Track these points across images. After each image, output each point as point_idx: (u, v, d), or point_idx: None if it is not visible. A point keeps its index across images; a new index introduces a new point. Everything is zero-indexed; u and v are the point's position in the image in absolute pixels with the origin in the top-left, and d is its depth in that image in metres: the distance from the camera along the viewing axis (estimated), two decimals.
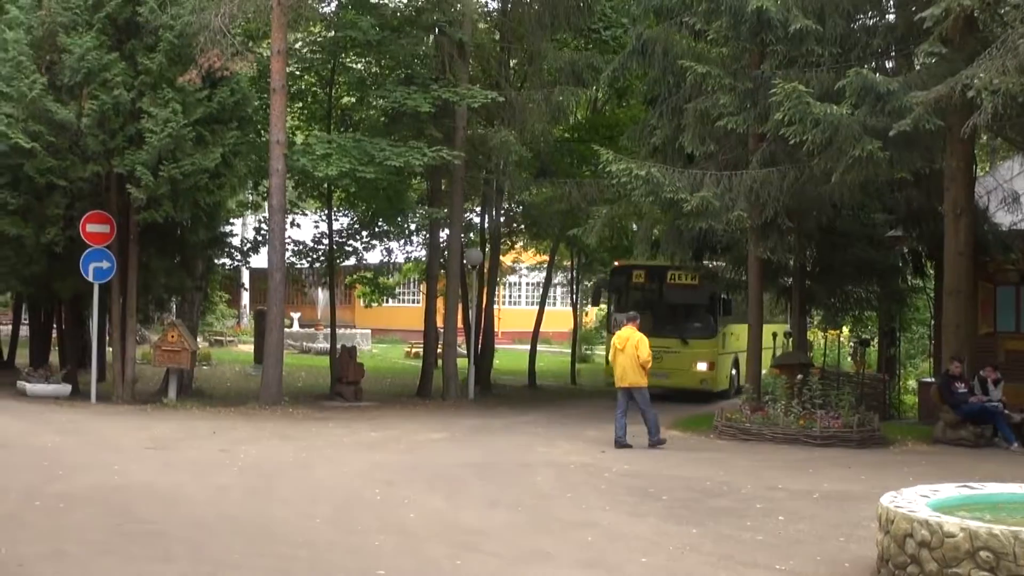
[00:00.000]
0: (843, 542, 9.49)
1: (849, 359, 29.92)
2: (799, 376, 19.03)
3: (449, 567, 8.25)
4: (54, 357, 25.04)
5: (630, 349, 16.66)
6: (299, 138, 25.66)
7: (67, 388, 21.26)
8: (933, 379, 21.16)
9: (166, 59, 19.40)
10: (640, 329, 18.94)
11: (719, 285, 25.14)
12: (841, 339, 31.18)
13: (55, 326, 26.09)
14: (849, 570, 8.40)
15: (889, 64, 19.20)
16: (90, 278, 20.23)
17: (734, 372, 26.96)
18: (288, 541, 8.99)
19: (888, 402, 23.93)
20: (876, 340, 29.04)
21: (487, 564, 8.38)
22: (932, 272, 23.55)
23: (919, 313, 29.77)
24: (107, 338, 23.04)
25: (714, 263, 24.87)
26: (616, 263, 27.68)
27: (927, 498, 8.23)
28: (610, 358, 18.12)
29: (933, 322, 24.07)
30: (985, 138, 20.98)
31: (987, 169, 24.90)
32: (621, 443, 16.27)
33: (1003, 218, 20.87)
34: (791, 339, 23.54)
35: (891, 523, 7.73)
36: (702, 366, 25.44)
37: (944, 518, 7.42)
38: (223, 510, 10.33)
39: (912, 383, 27.03)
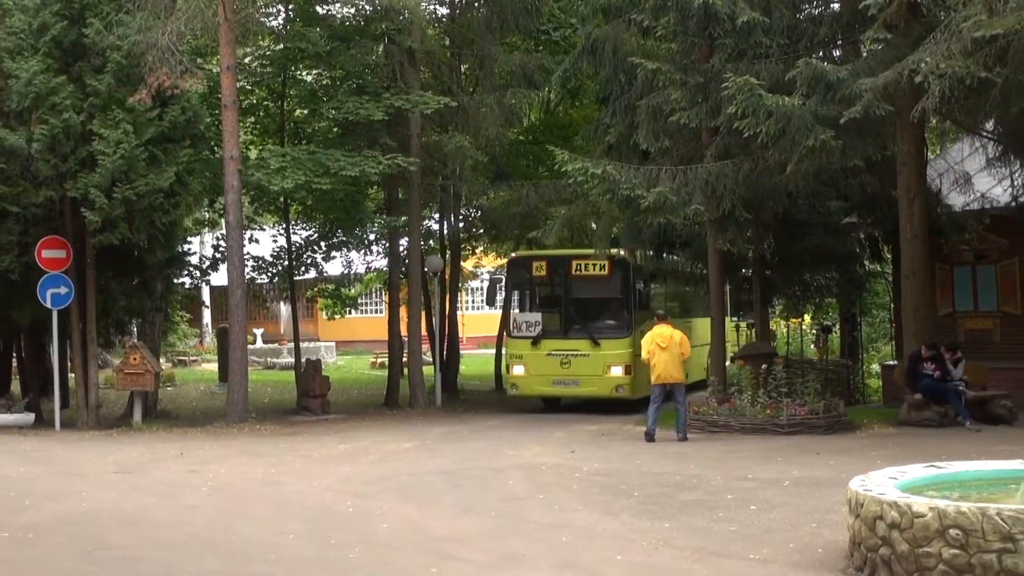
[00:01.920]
0: (815, 528, 9.56)
1: (812, 346, 30.20)
2: (764, 366, 19.13)
3: (423, 575, 8.23)
4: (15, 386, 24.76)
5: (674, 347, 17.03)
6: (253, 153, 25.51)
7: (30, 417, 21.00)
8: (895, 362, 21.39)
9: (115, 80, 19.23)
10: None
11: (636, 274, 22.62)
12: (803, 327, 31.43)
13: (15, 355, 25.79)
14: (822, 555, 8.46)
15: (836, 52, 19.37)
16: (48, 304, 20.03)
17: None
18: (262, 559, 8.94)
19: (853, 387, 24.16)
20: (838, 326, 29.33)
21: (462, 571, 8.38)
22: (890, 256, 23.77)
23: (879, 297, 30.09)
24: (69, 364, 22.82)
25: (673, 257, 24.82)
26: (513, 255, 25.53)
27: (895, 480, 8.30)
28: (647, 356, 17.12)
29: (893, 305, 24.30)
30: (935, 121, 21.18)
31: (938, 152, 25.17)
32: (652, 436, 16.74)
33: (956, 199, 21.12)
34: (754, 329, 23.70)
35: (861, 507, 7.79)
36: (617, 371, 21.95)
37: (913, 499, 7.49)
38: (195, 531, 10.26)
39: (875, 367, 27.30)
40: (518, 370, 22.69)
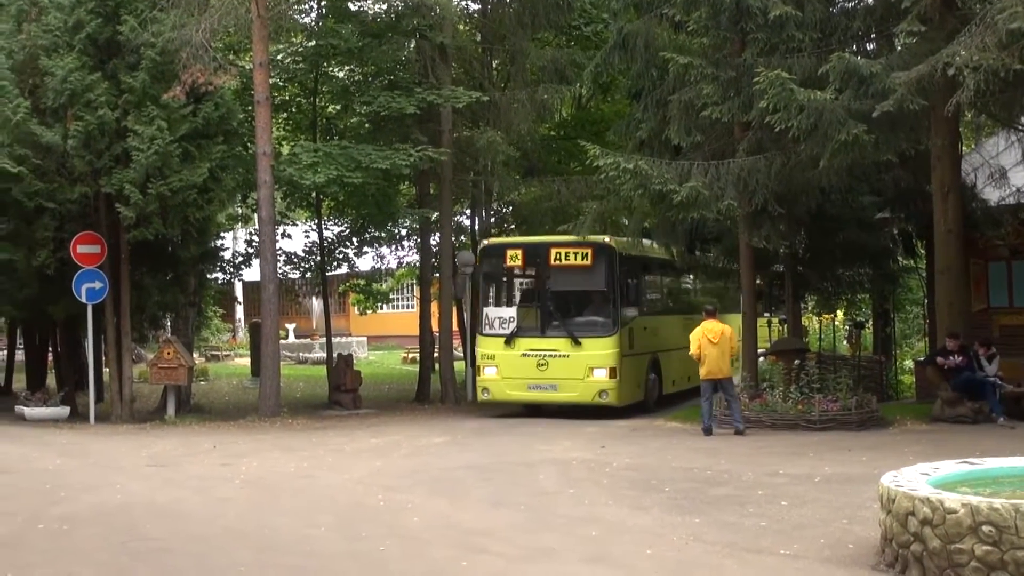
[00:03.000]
0: (846, 524, 9.51)
1: (844, 342, 30.07)
2: (796, 362, 19.07)
3: (455, 569, 8.26)
4: (51, 380, 25.02)
5: (724, 343, 17.07)
6: (285, 149, 25.66)
7: (66, 410, 21.26)
8: (923, 358, 21.27)
9: (149, 77, 19.40)
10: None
11: (624, 264, 20.61)
12: (836, 323, 31.27)
13: (51, 349, 26.06)
14: (853, 551, 8.42)
15: (870, 46, 19.23)
16: (83, 299, 20.23)
17: (652, 378, 21.62)
18: (294, 551, 9.00)
19: (885, 383, 24.05)
20: (871, 322, 29.18)
21: (493, 564, 8.40)
22: (923, 251, 23.60)
23: (912, 293, 29.90)
24: (103, 358, 23.03)
25: (705, 253, 24.63)
26: (486, 241, 22.93)
27: (927, 476, 8.26)
28: (697, 351, 16.96)
29: (927, 301, 24.14)
30: (969, 115, 20.99)
31: (973, 146, 24.95)
32: (710, 431, 16.85)
33: (991, 194, 20.91)
34: (786, 325, 23.59)
35: (892, 502, 7.75)
36: (600, 374, 19.78)
37: (945, 495, 7.44)
38: (227, 524, 10.34)
39: (909, 363, 27.12)
40: (490, 372, 20.50)
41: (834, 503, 10.55)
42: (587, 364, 19.82)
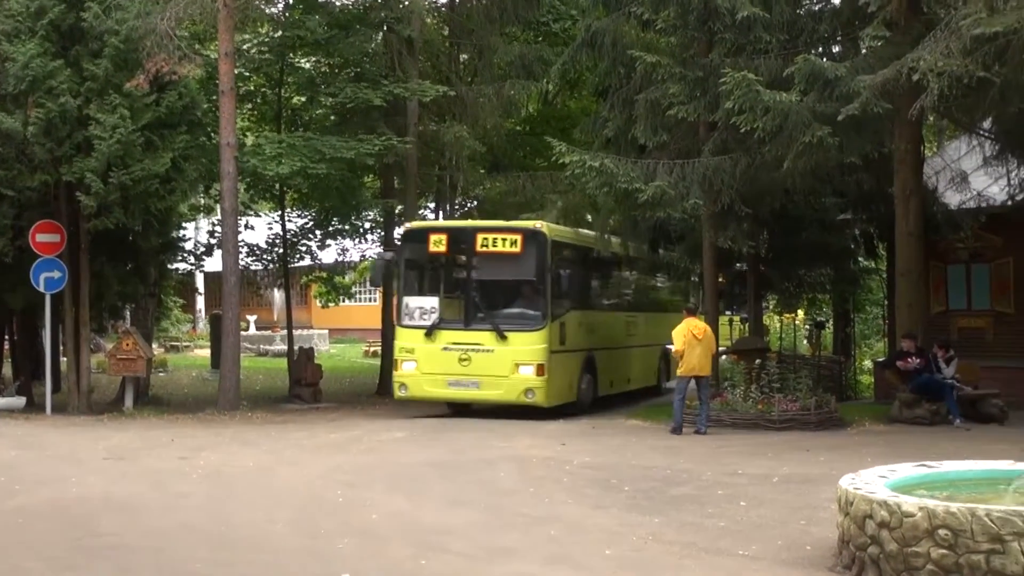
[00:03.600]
0: (804, 525, 9.56)
1: (805, 342, 30.27)
2: (757, 361, 19.17)
3: (414, 567, 8.23)
4: (7, 370, 24.73)
5: (708, 340, 17.07)
6: (250, 139, 25.49)
7: (21, 401, 21.02)
8: (883, 359, 21.47)
9: (112, 64, 19.17)
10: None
11: (558, 253, 19.55)
12: (797, 322, 31.47)
13: (7, 338, 25.76)
14: (811, 553, 8.46)
15: (836, 49, 19.39)
16: (41, 288, 20.01)
17: (586, 379, 20.54)
18: (251, 547, 8.93)
19: (845, 383, 24.23)
20: (831, 322, 29.39)
21: (452, 563, 8.37)
22: (884, 253, 23.80)
23: (873, 294, 30.14)
24: (61, 348, 22.80)
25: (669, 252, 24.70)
26: (408, 224, 21.32)
27: (885, 478, 8.30)
28: (681, 348, 16.79)
29: (887, 302, 24.34)
30: (932, 119, 21.16)
31: (935, 150, 25.18)
32: (679, 430, 16.69)
33: (952, 198, 21.13)
34: (747, 324, 23.71)
35: (851, 505, 7.79)
36: (527, 371, 18.61)
37: (903, 498, 7.49)
38: (184, 519, 10.25)
39: (868, 363, 27.34)
40: (408, 367, 19.31)
41: (792, 504, 10.61)
42: (513, 360, 18.64)
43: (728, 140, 17.91)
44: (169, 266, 25.28)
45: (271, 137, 22.88)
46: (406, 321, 19.54)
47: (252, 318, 43.91)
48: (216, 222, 25.98)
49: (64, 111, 18.84)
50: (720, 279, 22.43)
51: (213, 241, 26.25)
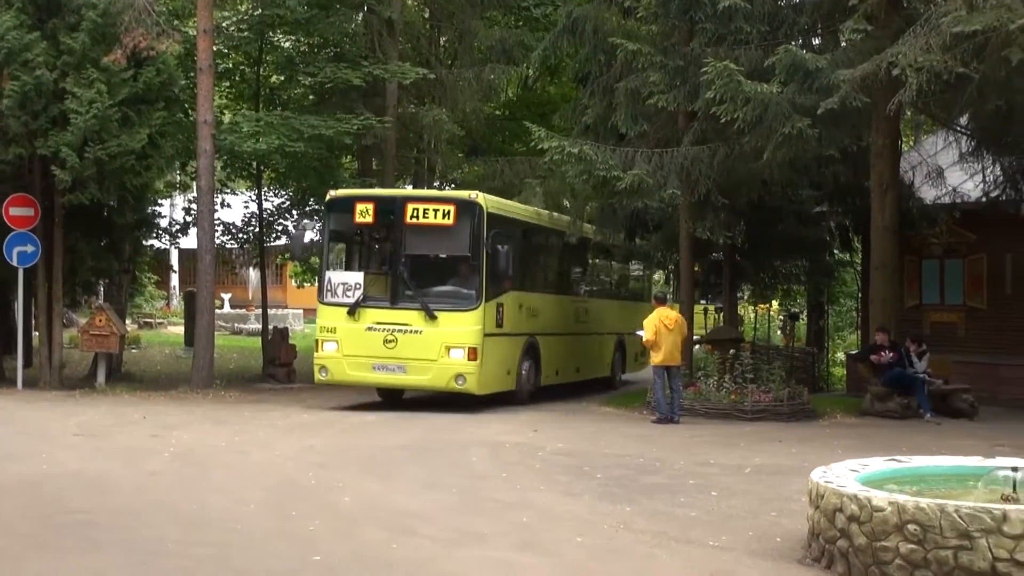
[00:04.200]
0: (775, 517, 9.61)
1: (779, 333, 30.43)
2: (731, 351, 19.24)
3: (385, 551, 8.22)
4: None
5: (678, 329, 17.04)
6: (227, 117, 25.34)
7: None
8: (856, 352, 21.60)
9: (89, 39, 19.02)
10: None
11: (496, 227, 17.94)
12: (771, 313, 31.63)
13: None
14: (781, 545, 8.51)
15: (816, 41, 19.43)
16: (14, 262, 19.88)
17: (526, 366, 19.30)
18: (222, 528, 8.91)
19: (817, 375, 24.40)
20: (805, 314, 29.55)
21: (423, 547, 8.38)
22: (859, 246, 23.93)
23: (847, 286, 30.32)
24: (33, 323, 22.65)
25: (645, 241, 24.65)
26: (332, 193, 19.11)
27: (856, 472, 8.35)
28: (652, 338, 16.72)
29: (860, 295, 24.49)
30: (910, 114, 21.26)
31: (912, 144, 25.31)
32: (668, 419, 16.69)
33: (927, 192, 21.26)
34: (722, 314, 23.81)
35: (821, 498, 7.84)
36: (457, 355, 17.28)
37: (873, 492, 7.53)
38: (155, 497, 10.21)
39: (841, 355, 27.52)
40: (329, 348, 17.92)
41: (763, 495, 10.66)
42: (442, 342, 17.26)
43: (707, 130, 17.94)
44: (144, 242, 25.13)
45: (249, 115, 22.76)
46: (328, 298, 18.02)
47: (227, 296, 43.73)
48: (192, 200, 25.84)
49: (40, 84, 18.68)
50: (696, 268, 22.47)
51: (189, 219, 26.10)
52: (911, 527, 7.14)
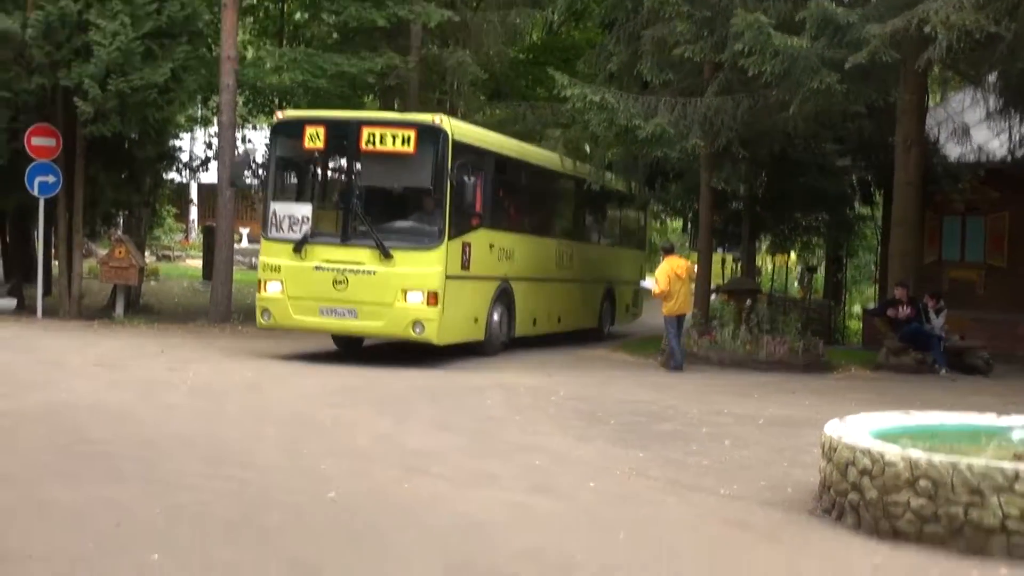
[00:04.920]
0: (787, 467, 9.65)
1: (796, 285, 30.38)
2: (747, 302, 19.25)
3: (397, 489, 8.30)
4: None
5: (688, 277, 17.22)
6: (250, 53, 25.26)
7: (12, 302, 21.06)
8: (873, 307, 21.58)
9: None
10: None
11: (463, 156, 16.12)
12: (789, 265, 31.56)
13: (0, 240, 25.73)
14: (792, 495, 8.56)
15: None
16: (35, 192, 19.96)
17: (498, 312, 17.77)
18: (239, 462, 9.00)
19: (833, 328, 24.38)
20: (823, 266, 29.50)
21: (435, 486, 8.46)
22: (880, 201, 23.82)
23: (866, 240, 30.20)
24: (53, 252, 22.79)
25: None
26: (279, 115, 17.46)
27: (870, 426, 8.37)
28: (665, 287, 16.71)
29: (880, 249, 24.43)
30: (937, 71, 21.05)
31: (938, 100, 25.09)
32: (681, 367, 16.94)
33: (952, 150, 21.12)
34: (740, 264, 23.78)
35: (834, 451, 7.87)
36: (415, 299, 15.49)
37: (886, 447, 7.56)
38: (173, 431, 10.32)
39: (857, 309, 27.50)
40: (273, 289, 16.13)
41: (776, 445, 10.70)
42: (399, 285, 15.50)
43: (733, 81, 17.81)
44: (164, 176, 25.21)
45: (272, 51, 22.69)
46: (273, 233, 16.24)
47: (245, 231, 43.80)
48: (213, 134, 25.84)
49: (64, 15, 18.66)
50: (715, 218, 22.41)
51: (209, 153, 26.11)
52: (923, 483, 7.17)
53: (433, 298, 15.48)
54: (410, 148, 15.54)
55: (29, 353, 15.59)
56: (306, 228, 15.94)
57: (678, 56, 17.96)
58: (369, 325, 15.78)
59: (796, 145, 20.63)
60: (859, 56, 15.01)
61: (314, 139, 16.05)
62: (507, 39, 25.04)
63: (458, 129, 16.25)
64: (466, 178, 15.92)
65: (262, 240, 16.64)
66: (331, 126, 16.19)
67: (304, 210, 16.25)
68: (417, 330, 15.54)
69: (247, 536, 6.85)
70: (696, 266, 18.76)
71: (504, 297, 17.78)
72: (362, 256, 15.63)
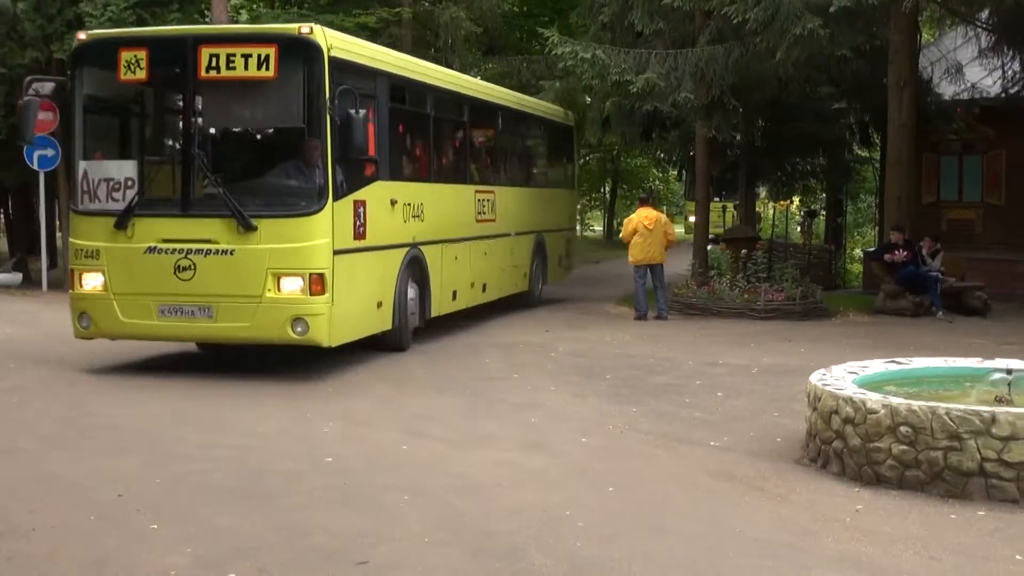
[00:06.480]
0: (777, 417, 9.82)
1: (798, 230, 30.48)
2: (744, 251, 19.34)
3: (395, 452, 8.50)
4: (2, 245, 24.93)
5: (659, 228, 17.30)
6: (243, 17, 25.25)
7: (18, 277, 21.26)
8: (871, 250, 21.68)
9: None
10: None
11: (348, 80, 11.49)
12: (790, 210, 31.63)
13: (3, 215, 25.92)
14: (780, 444, 8.74)
15: None
16: (35, 166, 20.06)
17: (407, 291, 13.44)
18: (239, 431, 9.20)
19: (834, 272, 24.46)
20: (824, 210, 29.57)
21: (433, 448, 8.65)
22: (879, 143, 23.84)
23: (867, 183, 30.24)
24: (57, 224, 22.96)
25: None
26: (82, 35, 12.10)
27: (855, 374, 8.52)
28: (629, 235, 17.14)
29: (879, 192, 24.48)
30: (928, 11, 21.00)
31: (934, 37, 25.00)
32: (645, 315, 17.22)
33: (946, 89, 21.09)
34: (739, 211, 23.86)
35: (818, 400, 8.03)
36: (293, 285, 11.16)
37: (868, 395, 7.72)
38: (175, 406, 10.47)
39: (859, 252, 27.58)
40: (91, 283, 11.67)
41: (768, 395, 10.87)
42: (268, 267, 11.13)
43: (724, 29, 17.80)
44: None
45: (265, 13, 22.68)
46: (86, 204, 11.75)
47: None
48: None
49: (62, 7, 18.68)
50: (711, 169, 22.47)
51: None
52: (903, 429, 7.33)
53: (318, 283, 11.18)
54: (270, 72, 11.07)
55: (35, 327, 15.80)
56: (132, 194, 11.50)
57: (669, 5, 17.92)
58: (231, 328, 11.35)
59: (791, 90, 20.60)
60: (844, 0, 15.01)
61: (133, 67, 11.37)
62: None
63: (337, 42, 11.66)
64: (353, 111, 11.26)
65: (71, 215, 12.19)
66: (156, 47, 11.56)
67: (127, 169, 11.84)
68: (299, 330, 11.17)
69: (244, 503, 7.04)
70: (668, 218, 18.56)
71: (415, 268, 13.70)
72: (213, 230, 11.25)
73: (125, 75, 11.44)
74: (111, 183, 11.63)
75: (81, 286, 11.73)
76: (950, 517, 6.78)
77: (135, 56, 11.38)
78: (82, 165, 11.88)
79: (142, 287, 11.44)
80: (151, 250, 11.35)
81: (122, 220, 11.39)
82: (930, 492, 7.18)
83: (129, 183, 11.58)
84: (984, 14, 19.60)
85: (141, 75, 11.45)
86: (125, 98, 12.51)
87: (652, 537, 6.40)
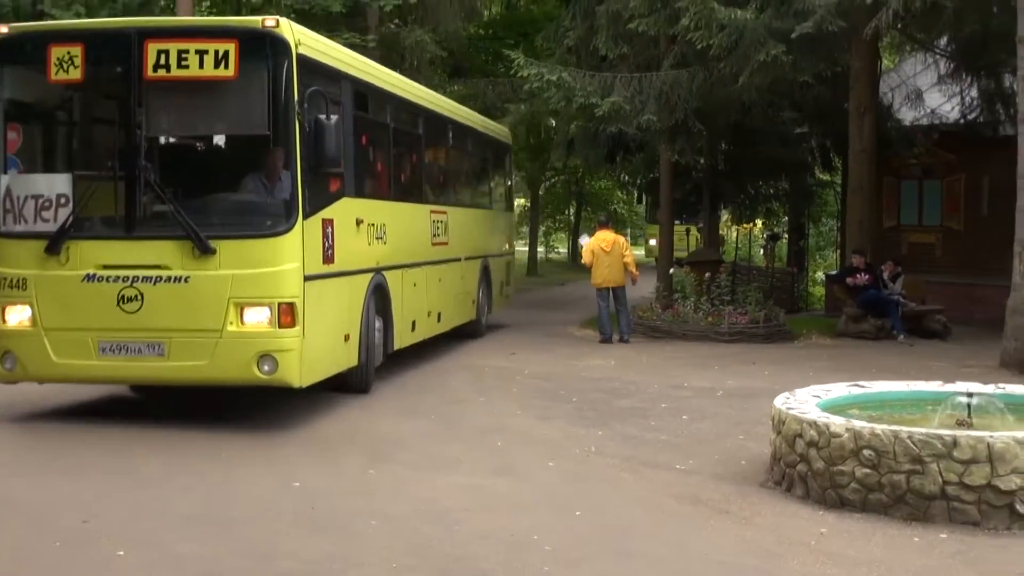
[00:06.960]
0: (742, 440, 9.90)
1: (761, 252, 30.72)
2: (708, 274, 19.48)
3: (362, 478, 8.49)
4: None
5: (617, 251, 17.37)
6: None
7: None
8: (833, 274, 21.91)
9: None
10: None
11: (319, 85, 10.15)
12: (753, 233, 31.86)
13: None
14: (745, 468, 8.80)
15: None
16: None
17: (373, 324, 12.03)
18: (203, 454, 9.14)
19: (797, 295, 24.66)
20: (787, 233, 29.83)
21: (399, 474, 8.64)
22: (840, 167, 24.11)
23: (829, 206, 30.55)
24: None
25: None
26: (4, 28, 10.26)
27: (819, 398, 8.61)
28: (589, 260, 17.35)
29: (841, 216, 24.74)
30: (889, 37, 21.33)
31: (894, 63, 25.33)
32: (610, 339, 17.29)
33: (907, 114, 21.38)
34: (702, 234, 24.03)
35: (783, 424, 8.11)
36: (258, 316, 9.69)
37: (831, 418, 7.80)
38: (143, 419, 10.42)
39: (821, 275, 27.83)
40: (16, 317, 10.05)
41: (733, 418, 10.94)
42: (229, 296, 9.67)
43: (688, 54, 17.99)
44: None
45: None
46: (9, 225, 10.18)
47: None
48: None
49: (18, 6, 18.76)
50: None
51: None
52: (866, 452, 7.42)
53: (288, 314, 9.72)
54: (229, 71, 9.54)
55: None
56: (65, 214, 9.97)
57: (634, 29, 18.10)
58: (186, 367, 9.77)
59: (754, 114, 20.82)
60: (805, 26, 15.23)
61: (66, 65, 9.78)
62: (465, 16, 25.09)
63: (306, 38, 10.31)
64: (323, 117, 9.99)
65: None
66: (94, 42, 9.98)
67: (59, 184, 10.16)
68: (266, 368, 9.70)
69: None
70: (626, 241, 18.52)
71: (378, 296, 12.27)
72: (164, 254, 9.75)
73: (57, 75, 9.84)
74: (40, 200, 10.02)
75: (4, 321, 10.05)
76: (913, 540, 6.85)
77: (68, 53, 9.78)
78: (4, 180, 10.19)
79: (79, 321, 9.82)
80: (89, 278, 9.78)
81: (54, 244, 9.84)
82: (893, 515, 7.27)
83: (62, 200, 9.97)
84: (943, 41, 19.94)
85: (76, 75, 9.84)
86: (57, 102, 10.66)
87: (619, 561, 6.44)
